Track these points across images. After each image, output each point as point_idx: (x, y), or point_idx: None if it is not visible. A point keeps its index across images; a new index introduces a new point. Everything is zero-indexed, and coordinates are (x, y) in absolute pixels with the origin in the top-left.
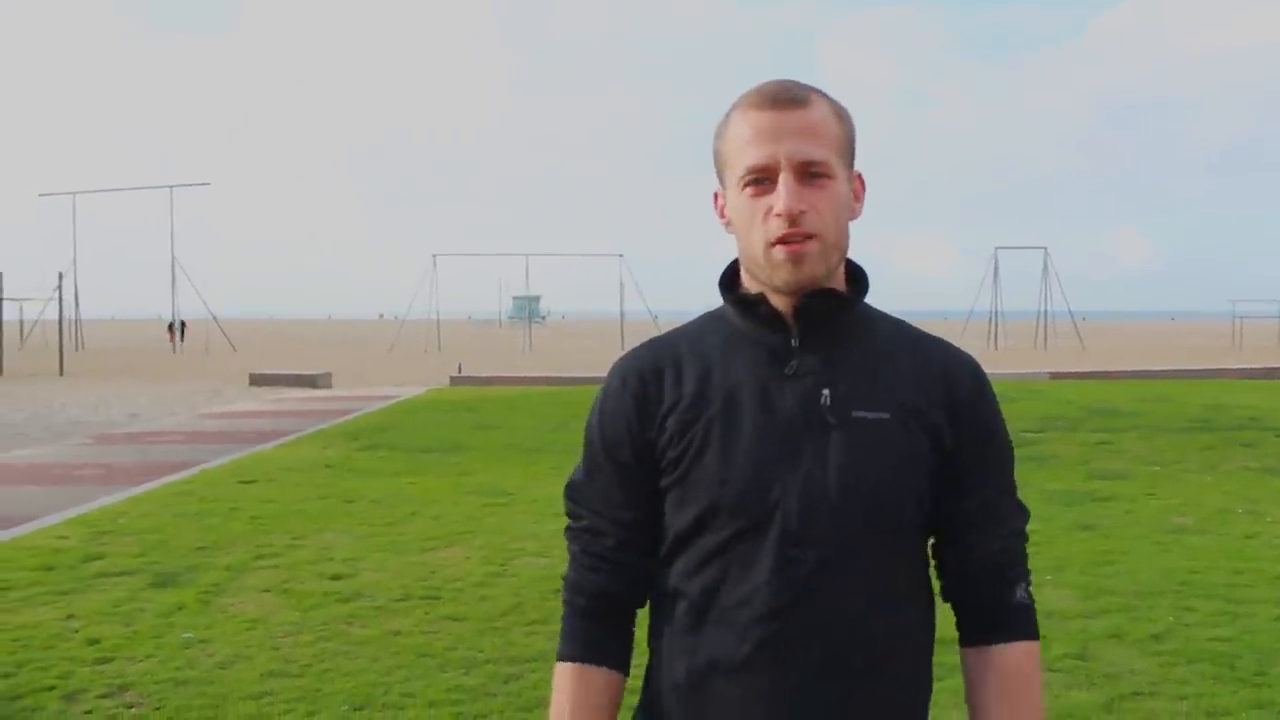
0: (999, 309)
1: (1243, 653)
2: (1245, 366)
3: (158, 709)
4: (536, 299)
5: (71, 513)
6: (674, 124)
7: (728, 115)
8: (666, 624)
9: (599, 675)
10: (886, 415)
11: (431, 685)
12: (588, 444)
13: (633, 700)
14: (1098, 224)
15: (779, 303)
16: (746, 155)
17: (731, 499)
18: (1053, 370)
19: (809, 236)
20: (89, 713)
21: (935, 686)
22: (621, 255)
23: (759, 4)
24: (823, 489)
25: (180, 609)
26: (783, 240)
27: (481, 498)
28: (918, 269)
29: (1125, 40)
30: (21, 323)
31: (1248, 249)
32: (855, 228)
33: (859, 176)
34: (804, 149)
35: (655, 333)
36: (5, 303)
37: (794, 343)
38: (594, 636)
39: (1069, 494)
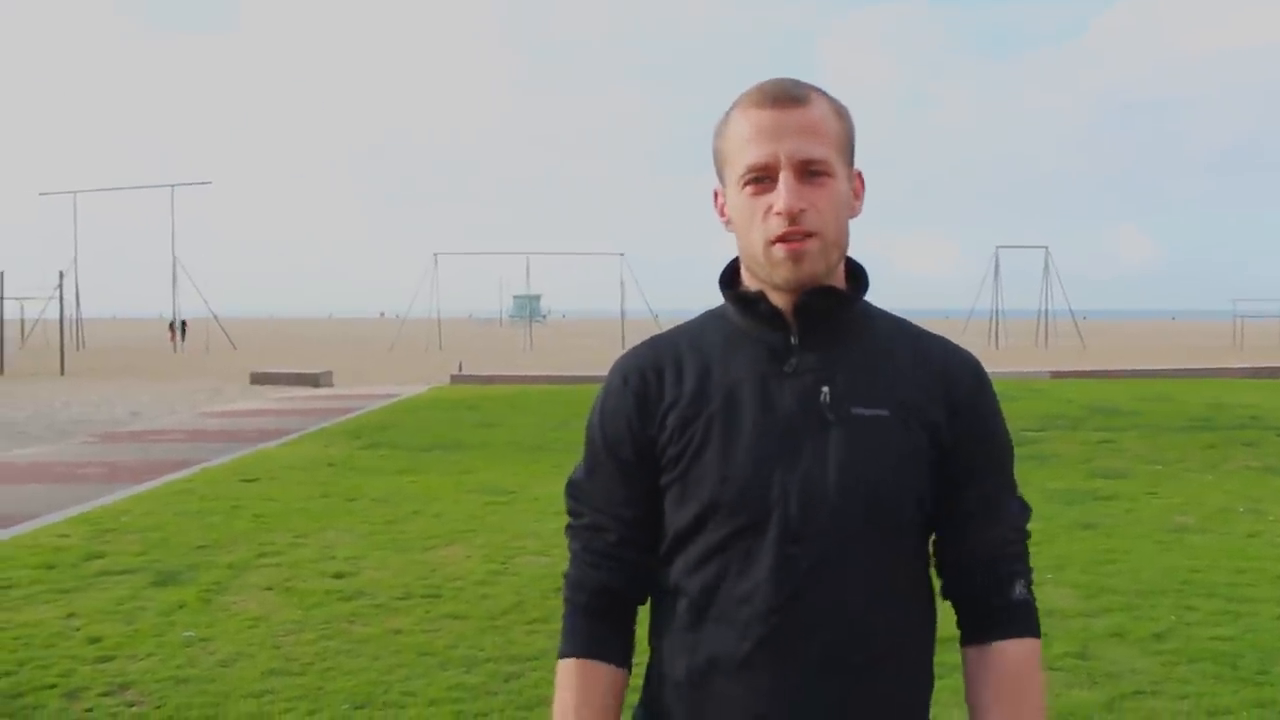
0: (1000, 308)
1: (1244, 652)
2: (1246, 366)
3: (159, 707)
4: (537, 298)
5: (73, 511)
6: (674, 123)
7: (727, 114)
8: (667, 622)
9: (602, 671)
10: (886, 412)
11: (432, 684)
12: (589, 442)
13: (633, 699)
14: (1099, 223)
15: (779, 300)
16: (747, 154)
17: (731, 496)
18: (1054, 369)
19: (809, 234)
20: (90, 711)
21: (936, 685)
22: (622, 254)
23: (759, 3)
24: (822, 486)
25: (181, 607)
26: (783, 238)
27: (483, 496)
28: (919, 268)
29: (1126, 40)
30: (23, 322)
31: (1248, 248)
32: (856, 226)
33: (859, 174)
34: (804, 147)
35: (656, 331)
36: (6, 302)
37: (793, 340)
38: (596, 633)
39: (1070, 493)
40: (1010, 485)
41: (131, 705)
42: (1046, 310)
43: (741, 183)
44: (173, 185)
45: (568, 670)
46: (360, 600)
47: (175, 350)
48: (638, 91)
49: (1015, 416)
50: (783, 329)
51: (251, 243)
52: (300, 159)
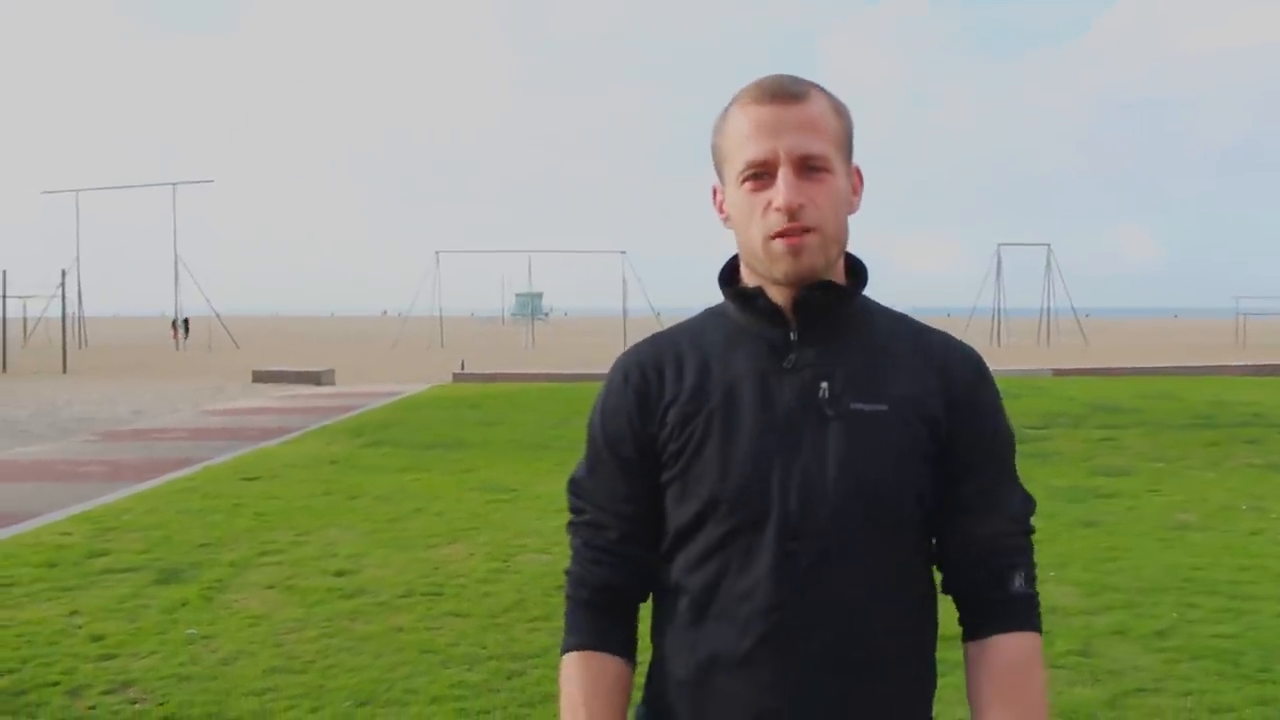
0: (1002, 306)
1: (1247, 649)
2: (1249, 363)
3: (161, 705)
4: (539, 296)
5: (75, 509)
6: (675, 122)
7: (726, 110)
8: (668, 620)
9: (608, 662)
10: (885, 407)
11: (434, 681)
12: (590, 439)
13: (635, 698)
14: (1101, 221)
15: (778, 296)
16: (746, 150)
17: (731, 493)
18: (1056, 367)
19: (808, 229)
20: (92, 709)
21: (940, 682)
22: (624, 252)
23: (759, 3)
24: (821, 482)
25: (184, 605)
26: (782, 234)
27: (485, 494)
28: (921, 266)
29: (1127, 39)
30: (25, 320)
31: (1250, 246)
32: (858, 224)
33: (857, 170)
34: (803, 143)
35: (658, 329)
36: (9, 300)
37: (793, 336)
38: (600, 627)
39: (1072, 490)
40: (1011, 479)
41: (134, 703)
42: (1048, 308)
43: (740, 179)
44: (174, 184)
45: (572, 663)
46: (362, 598)
47: (177, 348)
48: (638, 91)
49: (1017, 414)
50: (782, 325)
51: (253, 241)
52: (301, 158)
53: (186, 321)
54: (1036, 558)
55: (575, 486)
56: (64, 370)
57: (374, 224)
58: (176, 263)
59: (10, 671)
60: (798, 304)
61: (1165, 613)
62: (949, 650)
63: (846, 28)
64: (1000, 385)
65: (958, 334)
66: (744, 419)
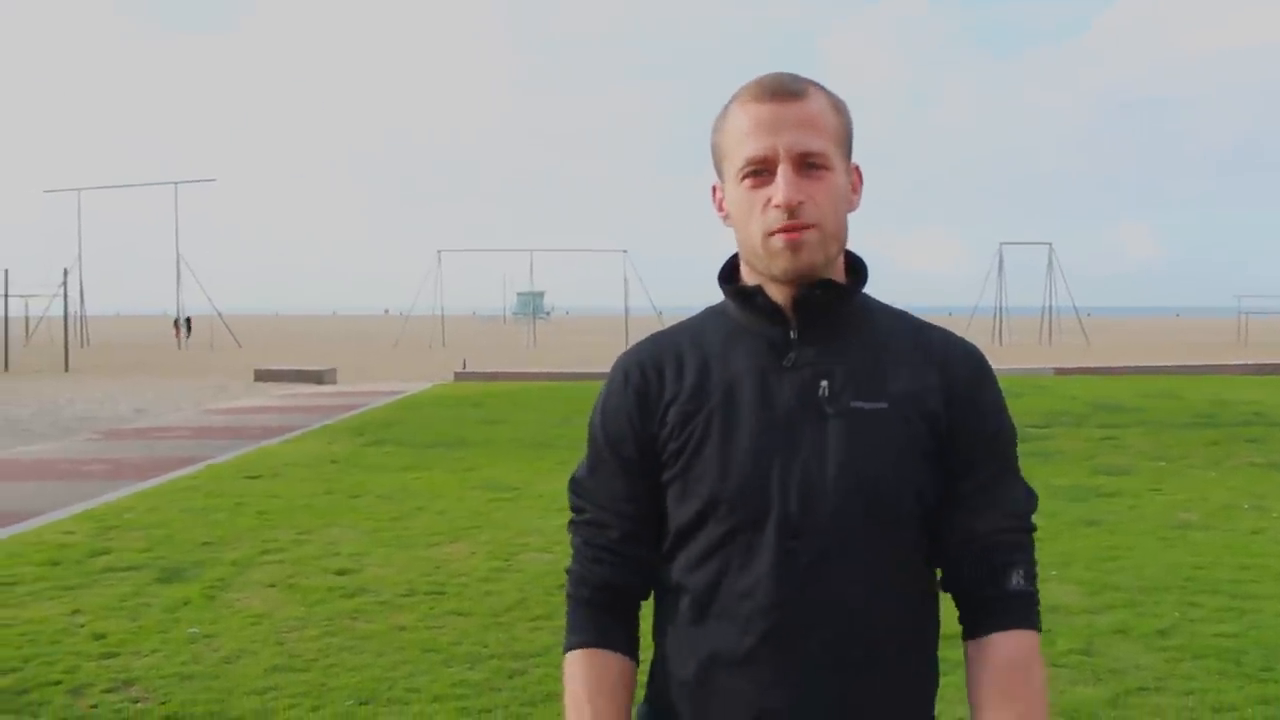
0: (1004, 305)
1: (1249, 648)
2: (1250, 362)
3: (163, 703)
4: (541, 295)
5: (78, 508)
6: (676, 122)
7: (726, 108)
8: (670, 619)
9: (612, 660)
10: (885, 405)
11: (436, 680)
12: (591, 439)
13: (638, 696)
14: (1103, 219)
15: (777, 294)
16: (745, 147)
17: (731, 492)
18: (1057, 366)
19: (808, 226)
20: (95, 707)
21: (941, 681)
22: (625, 251)
23: (760, 2)
24: (820, 480)
25: (186, 604)
26: (781, 230)
27: (486, 493)
28: (923, 265)
29: (1128, 38)
30: (27, 319)
31: (1251, 246)
32: (860, 223)
33: (856, 169)
34: (802, 140)
35: (659, 328)
36: (11, 299)
37: (793, 334)
38: (602, 624)
39: (1074, 489)
40: (1012, 475)
41: (136, 702)
42: (1050, 307)
43: (740, 176)
44: (176, 182)
45: (576, 661)
46: (364, 597)
47: (180, 347)
48: (639, 90)
49: (1019, 413)
50: (782, 323)
51: (255, 240)
52: (303, 157)
53: (189, 320)
54: (1038, 556)
55: (576, 486)
56: (66, 369)
57: (375, 223)
58: (178, 262)
59: (13, 670)
60: (797, 302)
61: (1167, 612)
62: (951, 649)
63: (847, 27)
64: (1002, 384)
65: (959, 333)
66: (744, 418)
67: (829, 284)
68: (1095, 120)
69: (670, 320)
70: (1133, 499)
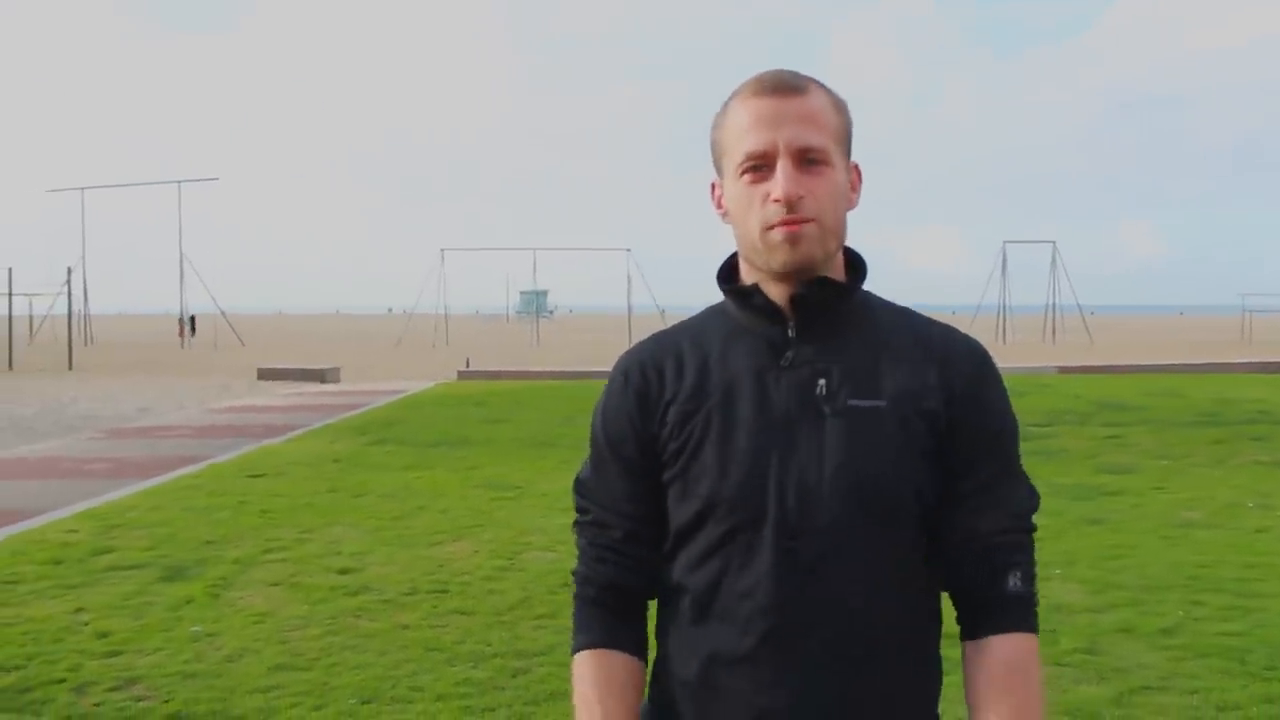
0: (1007, 303)
1: (1253, 647)
2: (1254, 360)
3: (166, 702)
4: (544, 294)
5: (81, 506)
6: (678, 120)
7: (726, 105)
8: (672, 619)
9: (619, 660)
10: (883, 403)
11: (439, 679)
12: (593, 440)
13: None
14: (1106, 218)
15: (776, 293)
16: (745, 141)
17: (729, 492)
18: (1061, 364)
19: (807, 220)
20: (98, 705)
21: (945, 680)
22: (629, 250)
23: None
24: (819, 480)
25: (189, 602)
26: (780, 224)
27: (489, 492)
28: (926, 263)
29: (1131, 36)
30: (31, 318)
31: (1256, 244)
32: (863, 221)
33: (856, 168)
34: (802, 135)
35: (662, 326)
36: (15, 298)
37: (791, 333)
38: (608, 625)
39: (1077, 488)
40: (1014, 474)
41: (139, 700)
42: (1054, 305)
43: (739, 171)
44: (180, 181)
45: (583, 662)
46: (367, 595)
47: (184, 346)
48: (639, 90)
49: (1023, 412)
50: (780, 322)
51: (258, 239)
52: (305, 156)
53: (193, 319)
54: (1041, 555)
55: (580, 486)
56: (70, 368)
57: (379, 221)
58: (182, 260)
59: (16, 668)
60: (795, 301)
61: (1171, 610)
62: (954, 648)
63: (848, 26)
64: (1006, 383)
65: (963, 330)
66: (742, 417)
67: (827, 282)
68: (1098, 118)
69: (673, 318)
70: (1136, 498)
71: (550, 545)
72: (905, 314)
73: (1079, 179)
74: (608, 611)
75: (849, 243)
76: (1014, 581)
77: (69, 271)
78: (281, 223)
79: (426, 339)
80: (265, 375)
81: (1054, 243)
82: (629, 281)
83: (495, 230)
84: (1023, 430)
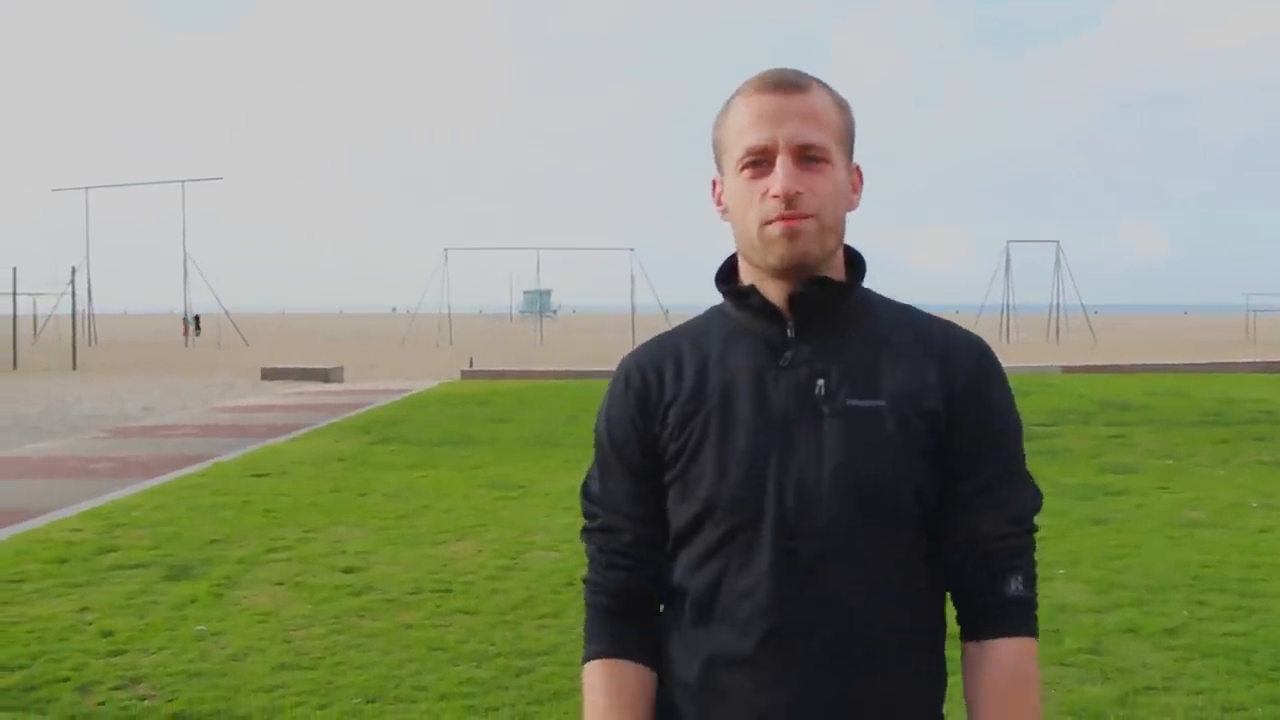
0: (1011, 303)
1: (1258, 647)
2: (1258, 360)
3: (170, 701)
4: (547, 293)
5: (85, 506)
6: (679, 120)
7: (728, 102)
8: (673, 621)
9: (630, 669)
10: (882, 403)
11: (443, 678)
12: (597, 444)
13: None
14: (1107, 218)
15: (774, 292)
16: (746, 137)
17: (728, 493)
18: (1065, 364)
19: (805, 216)
20: (102, 704)
21: (950, 680)
22: (632, 249)
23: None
24: (817, 480)
25: (193, 602)
26: (779, 219)
27: (493, 491)
28: (929, 263)
29: (1135, 34)
30: (35, 317)
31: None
32: (866, 221)
33: (857, 169)
34: (803, 132)
35: (666, 326)
36: (19, 297)
37: (790, 333)
38: (619, 634)
39: (1081, 488)
40: (1016, 474)
41: (143, 699)
42: (1058, 305)
43: (739, 166)
44: (183, 181)
45: (595, 671)
46: (371, 595)
47: (187, 345)
48: (639, 90)
49: (1027, 411)
50: (779, 322)
51: (262, 238)
52: (308, 156)
53: (197, 318)
54: (1046, 555)
55: (587, 493)
56: (74, 367)
57: (382, 220)
58: (185, 260)
59: (21, 667)
60: (794, 300)
61: (1175, 610)
62: (954, 648)
63: (848, 26)
64: (1010, 382)
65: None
66: (740, 418)
67: (826, 281)
68: (1099, 118)
69: (676, 318)
70: (1140, 497)
71: (554, 545)
72: (906, 311)
73: (1080, 179)
74: (619, 619)
75: (849, 242)
76: (1015, 585)
77: (73, 271)
78: (284, 222)
79: (430, 338)
80: (269, 375)
81: (1058, 242)
82: (632, 281)
83: (496, 230)
84: (1027, 430)
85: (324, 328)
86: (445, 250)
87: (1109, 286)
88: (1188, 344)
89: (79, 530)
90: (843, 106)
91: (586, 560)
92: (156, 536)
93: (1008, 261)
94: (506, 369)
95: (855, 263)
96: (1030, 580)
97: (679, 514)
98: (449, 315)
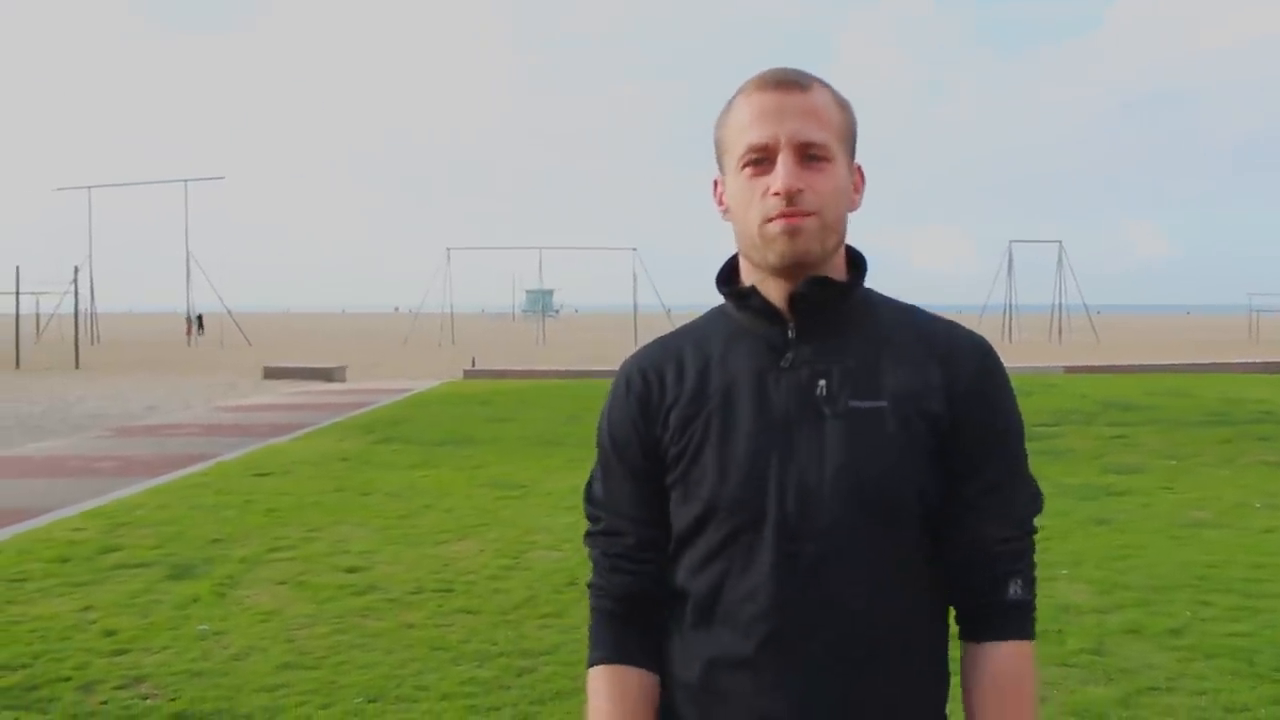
0: (1013, 303)
1: (1262, 648)
2: (1261, 360)
3: (173, 700)
4: (550, 293)
5: (88, 505)
6: (681, 120)
7: (730, 102)
8: (675, 623)
9: (633, 675)
10: (884, 404)
11: (445, 678)
12: (599, 447)
13: None
14: (1108, 217)
15: (776, 293)
16: (747, 135)
17: (729, 496)
18: (1067, 364)
19: (807, 214)
20: (105, 704)
21: (953, 681)
22: (635, 249)
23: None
24: (819, 482)
25: (196, 601)
26: (780, 216)
27: (495, 491)
28: (932, 263)
29: (1138, 33)
30: (38, 316)
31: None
32: (868, 220)
33: (859, 169)
34: (804, 130)
35: (668, 326)
36: (22, 296)
37: (791, 334)
38: (623, 638)
39: (1085, 488)
40: (1018, 475)
41: (146, 698)
42: (1060, 305)
43: (741, 164)
44: (186, 180)
45: (599, 677)
46: (373, 594)
47: (189, 344)
48: (640, 90)
49: (1029, 411)
50: (780, 323)
51: (264, 237)
52: (311, 155)
53: (200, 317)
54: (1048, 555)
55: (590, 496)
56: (76, 366)
57: (379, 222)
58: (188, 259)
59: (23, 666)
60: (795, 301)
61: (1179, 611)
62: (954, 648)
63: (848, 26)
64: (1012, 382)
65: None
66: (740, 420)
67: (827, 281)
68: (1099, 118)
69: (679, 317)
70: (1144, 498)
71: (556, 544)
72: (908, 311)
73: (1080, 179)
74: (623, 624)
75: (850, 242)
76: (1015, 590)
77: (76, 270)
78: (286, 221)
79: (433, 338)
80: (272, 374)
81: (1060, 242)
82: (635, 280)
83: (496, 230)
84: (1029, 430)
85: (326, 327)
86: (448, 250)
87: (1109, 286)
88: (1190, 344)
89: (81, 529)
90: (844, 106)
91: (591, 565)
92: (159, 536)
93: (1010, 261)
94: (509, 369)
95: (857, 263)
96: (1030, 583)
97: (681, 516)
98: (451, 315)
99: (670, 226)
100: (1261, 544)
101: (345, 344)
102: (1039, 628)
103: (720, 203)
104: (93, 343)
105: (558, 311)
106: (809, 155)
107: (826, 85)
